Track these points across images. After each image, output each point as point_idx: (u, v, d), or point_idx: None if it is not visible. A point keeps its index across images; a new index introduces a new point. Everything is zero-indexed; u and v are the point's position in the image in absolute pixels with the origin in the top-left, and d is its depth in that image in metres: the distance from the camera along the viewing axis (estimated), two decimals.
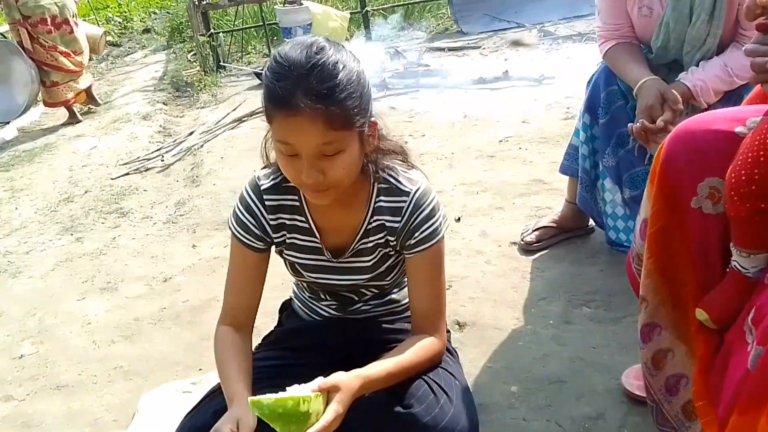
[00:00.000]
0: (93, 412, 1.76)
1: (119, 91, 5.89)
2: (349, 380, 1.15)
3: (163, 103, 5.29)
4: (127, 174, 3.69)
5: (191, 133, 4.27)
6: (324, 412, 1.11)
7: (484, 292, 2.09)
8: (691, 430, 1.19)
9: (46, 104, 5.08)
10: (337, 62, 1.12)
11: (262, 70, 5.44)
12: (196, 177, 3.52)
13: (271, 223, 1.33)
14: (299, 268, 1.39)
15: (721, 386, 1.09)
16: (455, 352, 1.51)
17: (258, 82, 5.44)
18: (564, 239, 2.30)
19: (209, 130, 4.28)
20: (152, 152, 4.01)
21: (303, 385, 1.12)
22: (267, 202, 1.32)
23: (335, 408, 1.11)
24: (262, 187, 1.32)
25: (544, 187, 2.75)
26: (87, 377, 1.92)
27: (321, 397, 1.11)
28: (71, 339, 2.13)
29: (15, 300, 2.45)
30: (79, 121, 5.01)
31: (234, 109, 4.65)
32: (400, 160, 1.33)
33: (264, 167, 1.34)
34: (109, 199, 3.35)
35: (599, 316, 1.90)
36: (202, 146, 4.01)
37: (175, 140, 4.20)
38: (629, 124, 1.75)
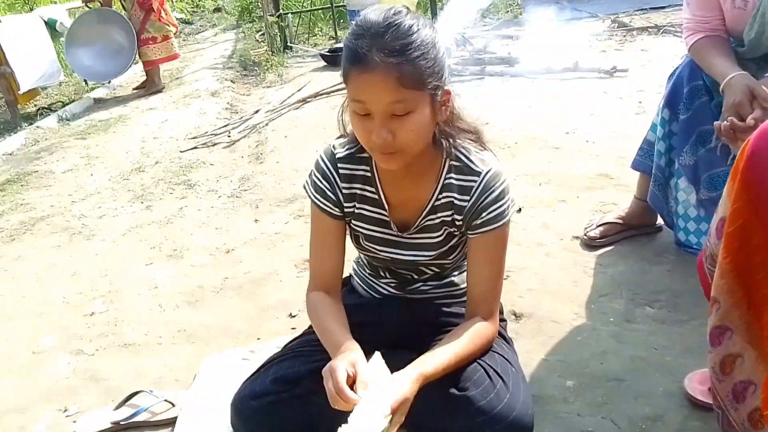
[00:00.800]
0: (157, 371, 1.84)
1: (190, 67, 6.08)
2: (412, 387, 1.15)
3: (231, 81, 5.43)
4: (195, 148, 3.81)
5: (257, 112, 4.37)
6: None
7: (543, 284, 2.06)
8: None
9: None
10: (413, 25, 1.14)
11: (328, 52, 5.52)
12: (260, 154, 3.59)
13: (344, 191, 1.36)
14: (365, 241, 1.41)
15: None
16: (511, 340, 1.50)
17: (323, 64, 5.50)
18: (629, 237, 2.23)
19: (274, 109, 4.36)
20: (219, 128, 4.13)
21: (372, 395, 1.13)
22: (341, 171, 1.35)
23: (400, 420, 1.14)
24: (336, 156, 1.36)
25: (611, 182, 2.67)
26: (152, 338, 2.01)
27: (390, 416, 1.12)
28: (139, 301, 2.24)
29: (88, 261, 2.58)
30: (159, 90, 5.24)
31: (299, 90, 4.72)
32: (473, 141, 1.33)
33: (339, 137, 1.37)
34: (177, 171, 3.47)
35: (663, 317, 1.84)
36: (267, 125, 4.09)
37: (242, 117, 4.31)
38: (715, 122, 1.66)
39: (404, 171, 1.30)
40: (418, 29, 1.15)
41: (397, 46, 1.11)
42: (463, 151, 1.31)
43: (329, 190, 1.36)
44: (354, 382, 1.15)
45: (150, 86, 5.33)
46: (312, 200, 1.38)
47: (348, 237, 1.45)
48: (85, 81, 5.58)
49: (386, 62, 1.10)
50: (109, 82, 5.60)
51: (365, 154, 1.35)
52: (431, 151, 1.30)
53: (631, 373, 1.64)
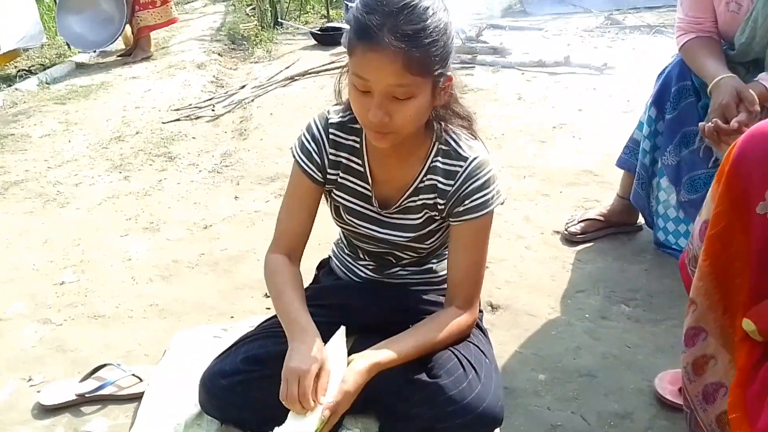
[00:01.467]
0: (126, 345, 1.81)
1: (177, 38, 5.94)
2: (357, 382, 1.16)
3: (218, 54, 5.32)
4: (178, 120, 3.74)
5: (243, 87, 4.29)
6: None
7: (522, 277, 2.05)
8: None
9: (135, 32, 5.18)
10: (429, 8, 1.11)
11: (319, 30, 5.43)
12: (244, 130, 3.53)
13: (330, 157, 1.34)
14: (344, 213, 1.39)
15: (763, 402, 1.05)
16: (486, 331, 1.50)
17: (313, 42, 5.41)
18: (610, 234, 2.24)
19: (261, 86, 4.29)
20: (203, 101, 4.05)
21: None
22: (331, 136, 1.34)
23: (341, 410, 1.16)
24: (329, 120, 1.34)
25: (595, 178, 2.67)
26: (123, 311, 1.97)
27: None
28: (111, 273, 2.19)
29: (61, 229, 2.52)
30: (147, 57, 5.12)
31: (287, 67, 4.65)
32: (465, 128, 1.31)
33: (335, 104, 1.35)
34: (158, 142, 3.40)
35: (638, 316, 1.85)
36: (252, 101, 4.02)
37: (227, 92, 4.23)
38: (700, 123, 1.67)
39: (392, 149, 1.28)
40: (433, 13, 1.11)
41: (410, 30, 1.08)
42: (453, 136, 1.30)
43: (316, 153, 1.34)
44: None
45: (138, 53, 5.20)
46: (296, 160, 1.36)
47: (329, 211, 1.43)
48: (68, 45, 5.42)
49: (396, 46, 1.07)
50: (95, 52, 5.45)
51: (357, 125, 1.33)
52: (422, 132, 1.29)
53: (603, 370, 1.64)
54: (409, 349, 1.24)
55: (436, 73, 1.14)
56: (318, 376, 1.17)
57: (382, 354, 1.21)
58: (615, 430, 1.46)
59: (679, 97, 1.92)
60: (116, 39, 5.27)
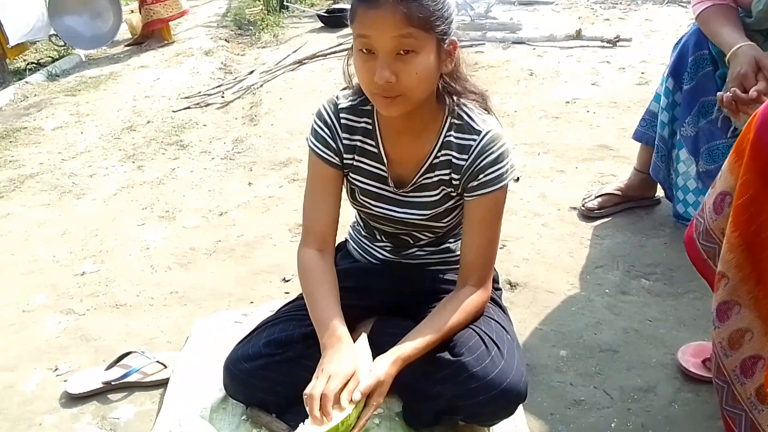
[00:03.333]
0: (148, 332, 1.83)
1: (183, 25, 5.93)
2: (388, 371, 1.17)
3: (225, 40, 5.30)
4: (188, 108, 3.74)
5: (251, 72, 4.28)
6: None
7: (539, 254, 2.04)
8: (763, 413, 1.14)
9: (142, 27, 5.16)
10: None
11: (325, 13, 5.39)
12: (255, 116, 3.53)
13: (345, 142, 1.34)
14: (360, 195, 1.39)
15: None
16: (506, 309, 1.49)
17: (320, 25, 5.37)
18: (628, 208, 2.22)
19: (269, 71, 4.27)
20: (213, 88, 4.04)
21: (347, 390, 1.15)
22: (342, 121, 1.33)
23: (377, 401, 1.16)
24: (339, 106, 1.34)
25: (610, 153, 2.64)
26: (144, 299, 1.99)
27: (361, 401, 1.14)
28: (130, 262, 2.21)
29: (78, 220, 2.54)
30: (162, 45, 5.11)
31: (295, 51, 4.62)
32: (479, 104, 1.30)
33: (344, 89, 1.35)
34: (170, 130, 3.41)
35: (658, 290, 1.84)
36: (261, 86, 4.01)
37: (236, 78, 4.22)
38: (718, 93, 1.63)
39: (405, 125, 1.28)
40: None
41: None
42: (465, 110, 1.29)
43: (330, 138, 1.34)
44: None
45: (152, 43, 5.19)
46: (312, 148, 1.36)
47: (345, 194, 1.43)
48: (65, 43, 5.37)
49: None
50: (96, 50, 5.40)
51: (368, 107, 1.32)
52: (433, 107, 1.28)
53: (625, 345, 1.64)
54: (432, 338, 1.24)
55: (438, 29, 1.14)
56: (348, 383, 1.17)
57: (406, 347, 1.21)
58: (638, 404, 1.46)
59: (696, 66, 1.88)
60: (116, 35, 5.27)
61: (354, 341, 1.26)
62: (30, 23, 4.93)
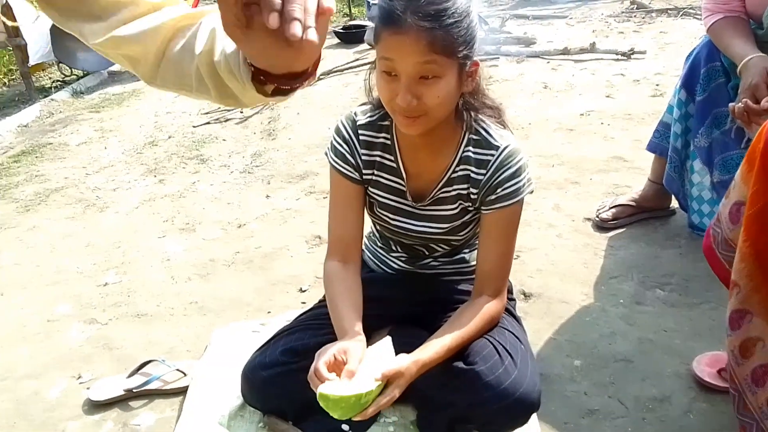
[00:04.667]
0: (169, 341, 1.87)
1: None
2: (409, 366, 1.17)
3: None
4: (208, 123, 3.82)
5: None
6: (380, 392, 1.15)
7: (553, 265, 2.05)
8: None
9: None
10: None
11: (341, 29, 5.47)
12: (273, 131, 3.59)
13: (363, 158, 1.37)
14: (378, 209, 1.42)
15: None
16: (520, 319, 1.50)
17: (337, 41, 5.45)
18: (642, 219, 2.22)
19: None
20: None
21: (370, 369, 1.15)
22: (361, 137, 1.36)
23: (393, 393, 1.15)
24: (357, 122, 1.37)
25: (625, 164, 2.65)
26: (165, 309, 2.03)
27: (381, 384, 1.14)
28: (152, 273, 2.26)
29: (101, 232, 2.61)
30: None
31: None
32: (494, 118, 1.33)
33: (362, 104, 1.38)
34: (190, 145, 3.48)
35: (673, 300, 1.84)
36: None
37: None
38: (730, 104, 1.64)
39: (424, 141, 1.30)
40: None
41: (432, 11, 1.12)
42: (483, 125, 1.31)
43: (349, 154, 1.37)
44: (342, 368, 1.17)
45: None
46: (332, 165, 1.39)
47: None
48: (69, 68, 5.43)
49: (419, 25, 1.11)
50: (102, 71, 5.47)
51: (386, 122, 1.35)
52: (452, 123, 1.31)
53: (640, 355, 1.64)
54: (451, 344, 1.25)
55: (460, 54, 1.16)
56: (344, 361, 1.18)
57: (426, 351, 1.22)
58: (653, 414, 1.46)
59: (708, 78, 1.89)
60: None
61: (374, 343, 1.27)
62: (49, 43, 5.05)
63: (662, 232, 2.17)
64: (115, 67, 5.48)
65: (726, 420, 1.41)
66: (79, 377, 1.76)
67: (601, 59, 4.05)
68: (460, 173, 1.33)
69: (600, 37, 4.52)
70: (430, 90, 1.16)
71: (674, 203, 2.22)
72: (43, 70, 5.55)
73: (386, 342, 1.26)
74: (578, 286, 1.94)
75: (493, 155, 1.29)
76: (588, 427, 1.44)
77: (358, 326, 1.27)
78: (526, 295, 1.91)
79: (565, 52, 4.22)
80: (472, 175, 1.31)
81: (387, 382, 1.16)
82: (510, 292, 1.53)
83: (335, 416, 1.12)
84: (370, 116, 1.36)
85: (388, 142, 1.37)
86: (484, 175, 1.29)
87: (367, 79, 1.33)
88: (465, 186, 1.33)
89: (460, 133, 1.32)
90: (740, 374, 1.20)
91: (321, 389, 1.11)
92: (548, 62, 4.16)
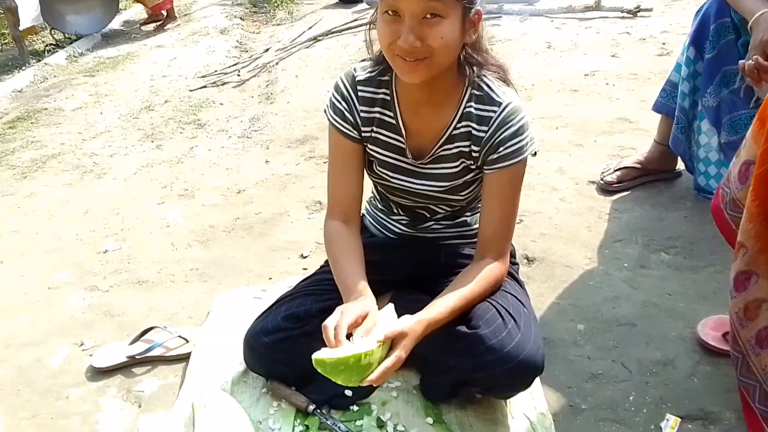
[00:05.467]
0: (170, 308, 1.86)
1: (198, 3, 5.92)
2: (413, 326, 1.16)
3: (240, 18, 5.29)
4: (205, 87, 3.75)
5: (267, 50, 4.27)
6: (386, 356, 1.13)
7: (557, 229, 2.03)
8: None
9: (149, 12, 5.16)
10: None
11: None
12: (271, 94, 3.53)
13: (362, 114, 1.34)
14: (378, 167, 1.39)
15: None
16: (523, 283, 1.49)
17: (335, 1, 5.32)
18: (647, 182, 2.19)
19: (284, 48, 4.26)
20: (229, 67, 4.04)
21: (371, 334, 1.12)
22: (360, 93, 1.33)
23: (398, 354, 1.13)
24: (357, 78, 1.33)
25: (630, 126, 2.60)
26: (165, 276, 2.02)
27: (385, 345, 1.11)
28: (151, 239, 2.24)
29: (99, 199, 2.58)
30: (174, 23, 5.10)
31: (309, 28, 4.60)
32: (499, 75, 1.29)
33: (362, 60, 1.34)
34: (187, 110, 3.43)
35: (678, 263, 1.82)
36: (277, 64, 4.00)
37: (251, 56, 4.21)
38: (740, 61, 1.59)
39: (424, 95, 1.27)
40: None
41: None
42: (486, 81, 1.27)
43: (347, 112, 1.34)
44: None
45: (167, 22, 5.18)
46: (330, 122, 1.36)
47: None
48: (63, 32, 5.31)
49: None
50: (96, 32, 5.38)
51: (386, 77, 1.32)
52: (454, 77, 1.27)
53: (643, 319, 1.63)
54: (455, 304, 1.24)
55: None
56: (362, 322, 1.17)
57: (431, 311, 1.20)
58: (657, 378, 1.46)
59: (718, 35, 1.84)
60: (110, 22, 5.27)
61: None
62: (38, 7, 4.94)
63: (667, 194, 2.14)
64: (108, 29, 5.37)
65: (730, 383, 1.40)
66: (81, 344, 1.76)
67: (606, 17, 3.96)
68: (462, 130, 1.29)
69: None
70: (434, 30, 1.12)
71: (680, 165, 2.19)
72: (36, 34, 5.44)
73: (389, 309, 1.25)
74: (582, 249, 1.92)
75: (495, 111, 1.25)
76: (591, 390, 1.44)
77: (364, 284, 1.26)
78: (530, 260, 1.90)
79: (570, 10, 4.12)
80: (474, 131, 1.28)
81: (392, 345, 1.14)
82: (513, 256, 1.51)
83: (339, 382, 1.11)
84: (370, 72, 1.33)
85: (388, 98, 1.33)
86: (486, 132, 1.26)
87: (368, 34, 1.29)
88: (467, 143, 1.30)
89: (461, 89, 1.28)
90: (744, 336, 1.19)
91: (315, 355, 1.09)
92: (552, 21, 4.06)
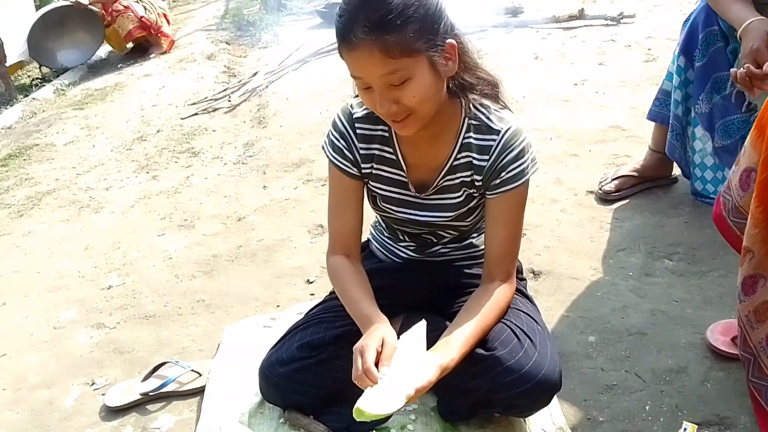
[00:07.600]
0: (180, 342, 1.86)
1: (183, 30, 5.94)
2: (436, 373, 1.15)
3: (226, 43, 5.31)
4: (196, 114, 3.75)
5: (255, 74, 4.28)
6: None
7: (560, 241, 2.05)
8: None
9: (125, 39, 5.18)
10: None
11: (324, 8, 5.37)
12: (263, 118, 3.54)
13: (362, 152, 1.34)
14: (381, 202, 1.40)
15: None
16: (533, 299, 1.50)
17: (320, 20, 5.37)
18: (645, 189, 2.22)
19: (273, 71, 4.28)
20: (219, 93, 4.05)
21: (405, 359, 1.15)
22: (358, 131, 1.34)
23: (413, 398, 1.14)
24: (354, 116, 1.34)
25: (623, 134, 2.64)
26: (172, 309, 2.01)
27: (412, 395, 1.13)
28: (155, 272, 2.23)
29: (99, 234, 2.57)
30: (159, 50, 5.13)
31: (297, 50, 4.62)
32: (492, 96, 1.29)
33: (356, 96, 1.34)
34: (180, 138, 3.43)
35: (682, 269, 1.84)
36: (266, 87, 4.02)
37: (240, 81, 4.22)
38: (732, 69, 1.63)
39: (422, 131, 1.27)
40: None
41: (377, 18, 1.07)
42: (482, 109, 1.28)
43: (347, 149, 1.34)
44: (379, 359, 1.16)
45: (153, 50, 5.19)
46: (330, 159, 1.37)
47: (367, 199, 1.44)
48: (49, 67, 5.32)
49: (368, 38, 1.07)
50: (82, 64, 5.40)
51: None
52: (449, 109, 1.27)
53: (653, 327, 1.65)
54: (471, 343, 1.23)
55: (423, 48, 1.11)
56: (382, 351, 1.17)
57: (447, 356, 1.19)
58: (671, 386, 1.47)
59: (707, 43, 1.87)
60: (94, 53, 5.31)
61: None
62: (25, 44, 4.96)
63: (666, 200, 2.17)
64: (94, 59, 5.37)
65: (743, 387, 1.41)
66: (93, 383, 1.74)
67: (591, 25, 4.02)
68: (462, 160, 1.30)
69: (588, 3, 4.47)
70: (405, 93, 1.13)
71: (676, 171, 2.22)
72: (21, 68, 5.43)
73: (420, 327, 1.25)
74: (586, 260, 1.94)
75: (494, 140, 1.26)
76: (608, 402, 1.45)
77: (375, 311, 1.27)
78: (536, 274, 1.91)
79: (554, 19, 4.17)
80: (475, 161, 1.29)
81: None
82: (520, 271, 1.53)
83: (361, 420, 1.12)
84: (366, 108, 1.32)
85: (386, 134, 1.34)
86: (487, 160, 1.27)
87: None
88: (468, 173, 1.31)
89: (458, 120, 1.29)
90: (755, 338, 1.21)
91: (359, 404, 1.10)
92: (537, 32, 4.11)
